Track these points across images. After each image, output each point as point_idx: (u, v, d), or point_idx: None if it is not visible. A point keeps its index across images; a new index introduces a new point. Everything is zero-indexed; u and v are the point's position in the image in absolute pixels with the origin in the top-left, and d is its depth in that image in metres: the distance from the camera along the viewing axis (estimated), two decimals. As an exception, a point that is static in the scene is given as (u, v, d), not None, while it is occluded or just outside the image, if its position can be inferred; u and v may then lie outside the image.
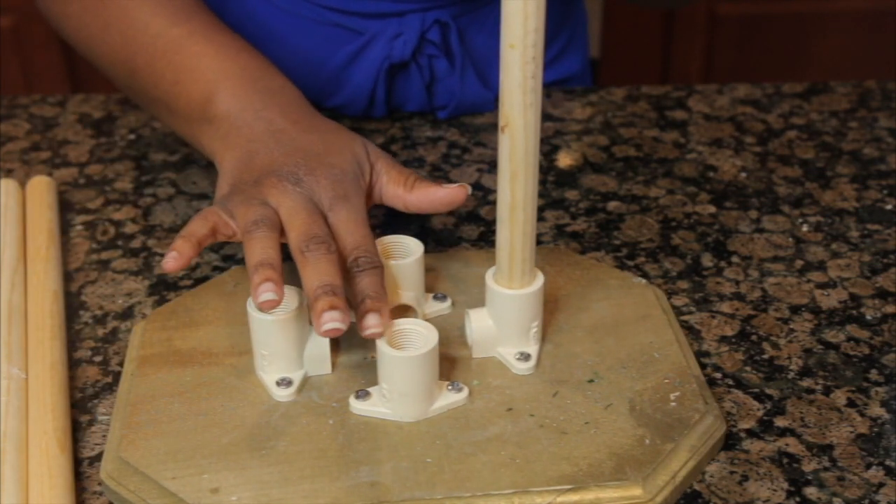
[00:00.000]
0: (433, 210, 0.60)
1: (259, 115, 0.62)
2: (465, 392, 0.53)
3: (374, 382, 0.53)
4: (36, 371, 0.56)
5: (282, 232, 0.55)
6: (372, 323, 0.51)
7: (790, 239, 0.70)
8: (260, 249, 0.53)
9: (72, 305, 0.64)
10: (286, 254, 0.54)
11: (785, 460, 0.52)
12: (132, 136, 0.83)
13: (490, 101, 0.85)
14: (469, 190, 0.60)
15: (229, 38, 0.67)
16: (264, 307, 0.51)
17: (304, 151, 0.60)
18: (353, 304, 0.53)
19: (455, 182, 0.76)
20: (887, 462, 0.52)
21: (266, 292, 0.51)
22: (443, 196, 0.59)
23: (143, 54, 0.67)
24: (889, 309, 0.63)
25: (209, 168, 0.78)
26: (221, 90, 0.63)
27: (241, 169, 0.59)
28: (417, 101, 0.85)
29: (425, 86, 0.84)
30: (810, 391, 0.57)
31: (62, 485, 0.49)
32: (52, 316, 0.60)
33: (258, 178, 0.58)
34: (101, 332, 0.62)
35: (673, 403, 0.53)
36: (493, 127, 0.83)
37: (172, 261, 0.52)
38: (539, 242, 0.69)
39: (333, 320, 0.50)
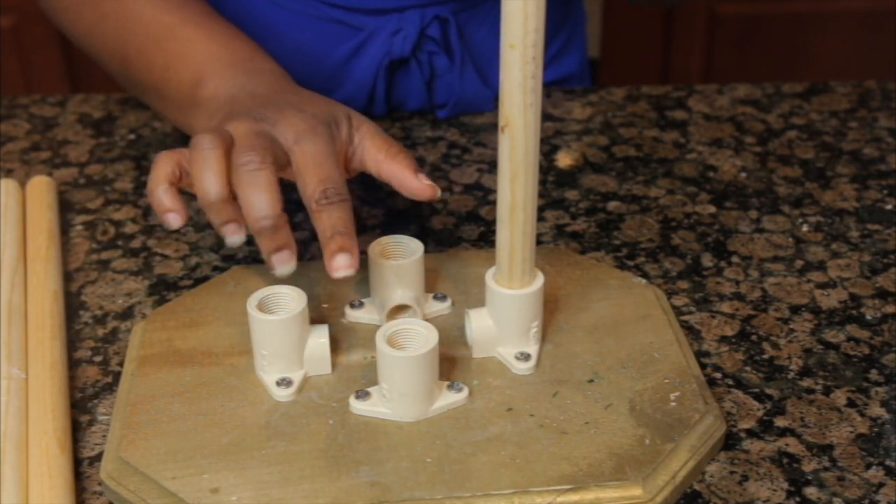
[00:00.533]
0: (399, 190, 0.58)
1: (244, 90, 0.62)
2: (465, 392, 0.53)
3: (374, 382, 0.53)
4: (36, 371, 0.56)
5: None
6: (342, 263, 0.50)
7: (790, 239, 0.70)
8: (203, 164, 0.52)
9: (72, 305, 0.64)
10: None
11: (785, 460, 0.52)
12: (132, 136, 0.83)
13: (489, 99, 0.85)
14: (438, 194, 0.58)
15: (221, 24, 0.68)
16: (228, 234, 0.51)
17: (279, 103, 0.59)
18: (321, 238, 0.52)
19: (457, 184, 0.76)
20: (887, 462, 0.52)
21: (211, 190, 0.51)
22: (410, 186, 0.57)
23: (135, 42, 0.67)
24: (889, 309, 0.63)
25: (209, 168, 0.78)
26: (210, 73, 0.63)
27: (215, 123, 0.59)
28: (417, 98, 0.85)
29: (425, 82, 0.84)
30: (810, 391, 0.57)
31: (62, 485, 0.49)
32: (52, 316, 0.60)
33: (224, 121, 0.57)
34: (101, 332, 0.62)
35: (673, 403, 0.53)
36: (493, 127, 0.83)
37: (175, 221, 0.52)
38: (539, 242, 0.69)
39: (284, 263, 0.50)
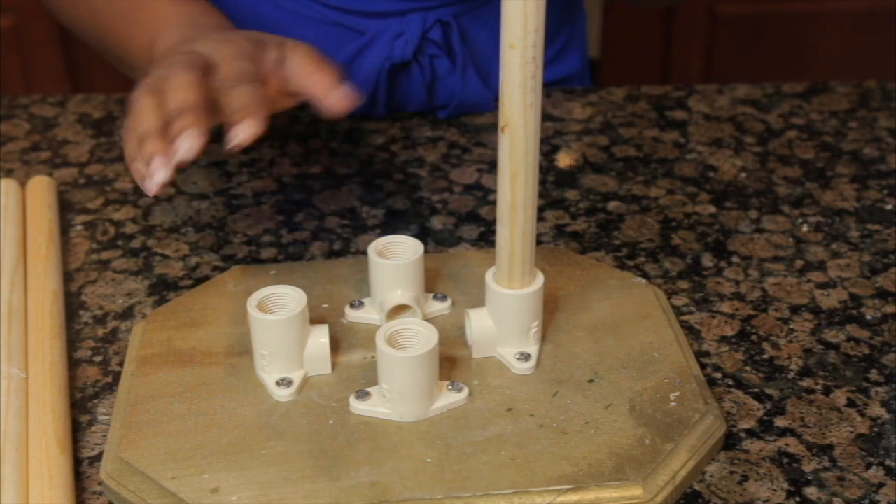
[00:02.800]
0: (317, 103, 0.58)
1: (188, 38, 0.64)
2: (465, 392, 0.53)
3: (374, 382, 0.53)
4: (36, 371, 0.56)
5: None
6: (240, 132, 0.53)
7: (790, 239, 0.70)
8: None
9: (72, 305, 0.64)
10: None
11: (785, 460, 0.52)
12: (132, 136, 0.83)
13: (491, 101, 0.85)
14: (351, 105, 0.57)
15: None
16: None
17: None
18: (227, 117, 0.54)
19: (457, 184, 0.76)
20: (887, 462, 0.52)
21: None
22: (324, 98, 0.57)
23: (104, 21, 0.71)
24: (889, 309, 0.63)
25: (209, 168, 0.78)
26: (163, 33, 0.66)
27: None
28: (418, 101, 0.85)
29: (426, 85, 0.84)
30: (810, 391, 0.57)
31: (62, 485, 0.49)
32: (52, 316, 0.60)
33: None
34: (101, 332, 0.62)
35: (673, 403, 0.53)
36: (493, 127, 0.83)
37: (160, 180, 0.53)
38: (539, 242, 0.69)
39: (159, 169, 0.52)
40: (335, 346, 0.56)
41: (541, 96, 0.49)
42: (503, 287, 0.55)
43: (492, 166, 0.78)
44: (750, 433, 0.54)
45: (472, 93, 0.84)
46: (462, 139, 0.82)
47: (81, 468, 0.52)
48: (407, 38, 0.81)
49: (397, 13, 0.81)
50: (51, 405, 0.54)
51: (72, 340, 0.61)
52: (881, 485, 0.51)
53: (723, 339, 0.61)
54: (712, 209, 0.73)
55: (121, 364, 0.59)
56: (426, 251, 0.59)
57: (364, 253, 0.67)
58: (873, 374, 0.58)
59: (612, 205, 0.74)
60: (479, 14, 0.84)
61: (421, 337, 0.52)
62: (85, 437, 0.54)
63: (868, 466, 0.52)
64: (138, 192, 0.75)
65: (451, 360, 0.56)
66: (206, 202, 0.74)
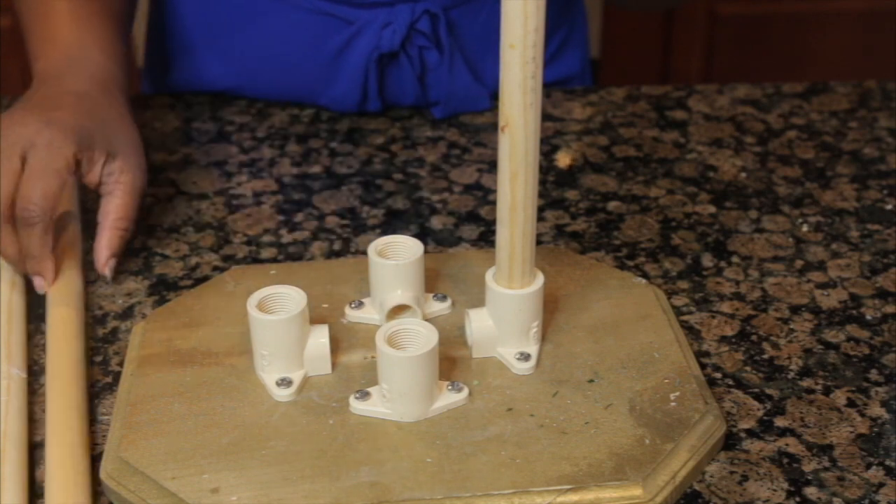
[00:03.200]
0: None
1: (57, 75, 0.70)
2: (465, 392, 0.53)
3: (374, 382, 0.53)
4: (54, 370, 0.56)
5: None
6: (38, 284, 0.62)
7: (790, 239, 0.70)
8: None
9: (72, 305, 0.64)
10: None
11: (785, 460, 0.52)
12: (132, 136, 0.83)
13: (483, 95, 0.85)
14: (108, 275, 0.65)
15: (92, 5, 0.75)
16: None
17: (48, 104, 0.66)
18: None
19: (457, 184, 0.76)
20: (887, 462, 0.52)
21: None
22: (96, 261, 0.65)
23: (19, 5, 0.77)
24: (889, 309, 0.63)
25: (209, 168, 0.78)
26: (45, 52, 0.72)
27: None
28: (411, 94, 0.85)
29: (417, 77, 0.84)
30: (810, 391, 0.57)
31: (82, 482, 0.50)
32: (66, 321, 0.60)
33: None
34: (101, 332, 0.62)
35: (673, 403, 0.53)
36: (493, 127, 0.83)
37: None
38: (539, 242, 0.69)
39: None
40: (335, 346, 0.56)
41: (541, 96, 0.49)
42: (503, 287, 0.55)
43: (492, 166, 0.78)
44: (750, 433, 0.54)
45: (461, 86, 0.84)
46: (462, 139, 0.82)
47: (81, 468, 0.52)
48: (395, 28, 0.81)
49: (386, 3, 0.81)
50: (74, 402, 0.54)
51: (72, 340, 0.61)
52: (881, 485, 0.51)
53: (723, 339, 0.61)
54: (712, 209, 0.73)
55: (121, 364, 0.59)
56: (426, 251, 0.59)
57: (364, 253, 0.67)
58: (873, 374, 0.58)
59: (612, 205, 0.74)
60: (468, 9, 0.84)
61: (421, 337, 0.52)
62: (85, 437, 0.54)
63: (868, 466, 0.52)
64: (138, 192, 0.75)
65: (451, 360, 0.56)
66: (206, 202, 0.74)
